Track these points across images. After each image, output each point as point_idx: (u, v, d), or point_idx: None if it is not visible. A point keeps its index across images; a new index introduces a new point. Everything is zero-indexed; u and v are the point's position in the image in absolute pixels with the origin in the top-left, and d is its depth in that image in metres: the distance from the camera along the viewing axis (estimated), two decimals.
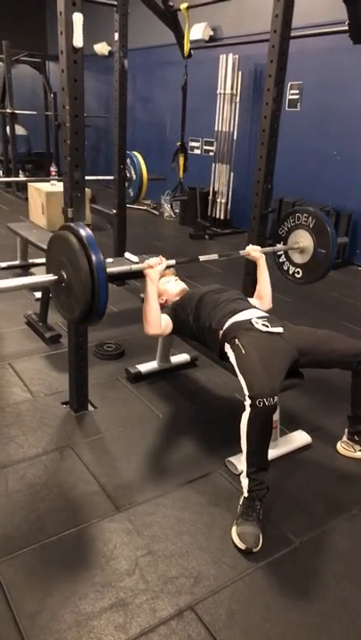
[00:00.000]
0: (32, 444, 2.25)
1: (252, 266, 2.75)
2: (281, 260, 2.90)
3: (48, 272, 1.98)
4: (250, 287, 2.81)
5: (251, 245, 2.65)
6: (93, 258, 1.77)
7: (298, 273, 2.81)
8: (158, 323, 2.26)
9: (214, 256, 2.37)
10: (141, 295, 3.83)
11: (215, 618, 1.52)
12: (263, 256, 2.60)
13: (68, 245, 1.82)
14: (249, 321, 2.12)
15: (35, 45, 9.43)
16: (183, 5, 4.42)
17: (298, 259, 2.80)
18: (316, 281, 2.79)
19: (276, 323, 2.14)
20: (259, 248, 2.63)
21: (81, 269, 1.76)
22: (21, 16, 9.72)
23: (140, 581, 1.63)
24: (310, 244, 2.71)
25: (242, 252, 2.60)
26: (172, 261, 2.31)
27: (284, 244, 2.83)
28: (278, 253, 2.90)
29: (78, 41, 1.90)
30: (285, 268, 2.88)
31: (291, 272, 2.85)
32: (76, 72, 1.96)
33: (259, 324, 2.09)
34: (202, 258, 2.33)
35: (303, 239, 2.74)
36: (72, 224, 1.87)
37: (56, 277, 1.92)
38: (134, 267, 2.20)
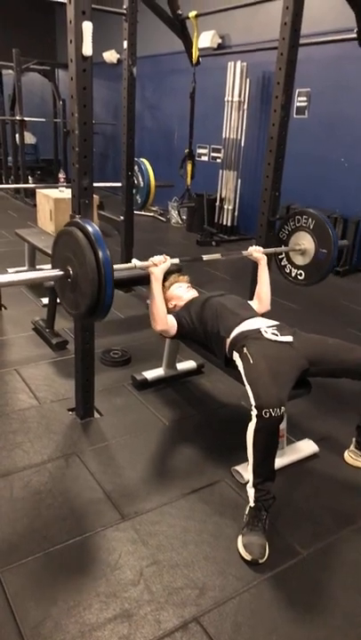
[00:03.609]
0: (37, 451, 2.25)
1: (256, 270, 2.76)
2: (283, 263, 2.92)
3: (54, 267, 1.98)
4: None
5: (253, 246, 2.67)
6: (100, 253, 1.77)
7: (300, 275, 2.84)
8: (164, 318, 2.30)
9: (217, 255, 2.45)
10: (148, 302, 3.84)
11: (221, 630, 1.50)
12: (265, 257, 2.63)
13: (75, 241, 1.82)
14: (258, 330, 2.11)
15: (44, 53, 9.53)
16: (192, 14, 4.44)
17: (299, 260, 2.83)
18: (318, 282, 2.81)
19: (287, 331, 2.12)
20: (261, 249, 2.66)
21: (87, 264, 1.77)
22: (31, 24, 9.82)
23: (144, 592, 1.61)
24: (312, 246, 2.73)
25: (244, 253, 2.63)
26: (176, 260, 2.34)
27: (285, 247, 2.85)
28: (280, 256, 2.92)
29: (88, 49, 1.91)
30: (288, 271, 2.90)
31: (293, 274, 2.87)
32: (85, 80, 1.97)
33: (268, 333, 2.08)
34: (205, 257, 2.41)
35: (304, 241, 2.76)
36: (79, 220, 1.88)
37: (62, 272, 1.92)
38: (139, 264, 2.22)
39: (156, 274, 2.26)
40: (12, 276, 1.96)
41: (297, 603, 1.61)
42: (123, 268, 2.15)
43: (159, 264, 2.26)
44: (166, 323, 2.30)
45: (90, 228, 1.82)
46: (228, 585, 1.65)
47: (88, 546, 1.78)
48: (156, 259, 2.27)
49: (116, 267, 1.87)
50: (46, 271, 2.01)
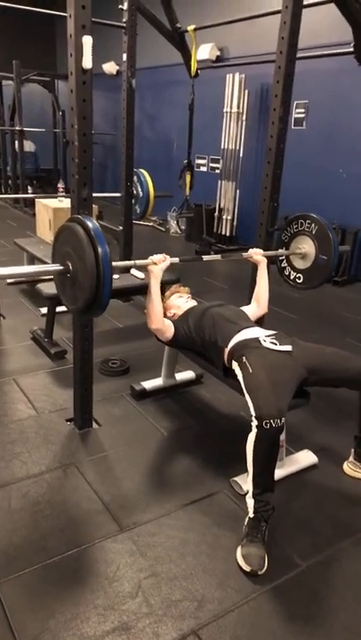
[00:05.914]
0: (35, 462, 2.24)
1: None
2: (283, 265, 2.94)
3: (54, 262, 2.00)
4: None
5: (253, 249, 2.68)
6: (99, 249, 1.79)
7: (299, 278, 2.86)
8: (160, 318, 2.32)
9: (217, 256, 2.49)
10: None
11: None
12: (265, 260, 2.64)
13: (75, 236, 1.84)
14: (257, 339, 2.11)
15: (44, 65, 9.61)
16: (190, 27, 4.50)
17: (300, 264, 2.85)
18: (316, 287, 2.84)
19: (285, 340, 2.12)
20: (261, 251, 2.67)
21: (87, 259, 1.79)
22: (32, 36, 9.92)
23: (143, 604, 1.60)
24: (312, 251, 2.75)
25: (245, 255, 2.65)
26: (176, 259, 2.37)
27: (286, 250, 2.87)
28: (280, 258, 2.94)
29: (87, 62, 1.93)
30: (287, 274, 2.92)
31: (292, 277, 2.89)
32: (85, 92, 1.99)
33: (267, 343, 2.08)
34: (205, 257, 2.44)
35: (305, 245, 2.78)
36: (80, 216, 1.89)
37: (62, 267, 1.94)
38: (138, 262, 2.24)
39: (156, 272, 2.28)
40: (13, 269, 1.96)
41: (297, 615, 1.60)
42: (122, 265, 2.16)
43: (159, 263, 2.28)
44: (162, 322, 2.33)
45: (90, 224, 1.84)
46: (227, 597, 1.64)
47: (86, 557, 1.76)
48: (156, 257, 2.29)
49: (115, 263, 1.89)
50: (46, 265, 2.03)
